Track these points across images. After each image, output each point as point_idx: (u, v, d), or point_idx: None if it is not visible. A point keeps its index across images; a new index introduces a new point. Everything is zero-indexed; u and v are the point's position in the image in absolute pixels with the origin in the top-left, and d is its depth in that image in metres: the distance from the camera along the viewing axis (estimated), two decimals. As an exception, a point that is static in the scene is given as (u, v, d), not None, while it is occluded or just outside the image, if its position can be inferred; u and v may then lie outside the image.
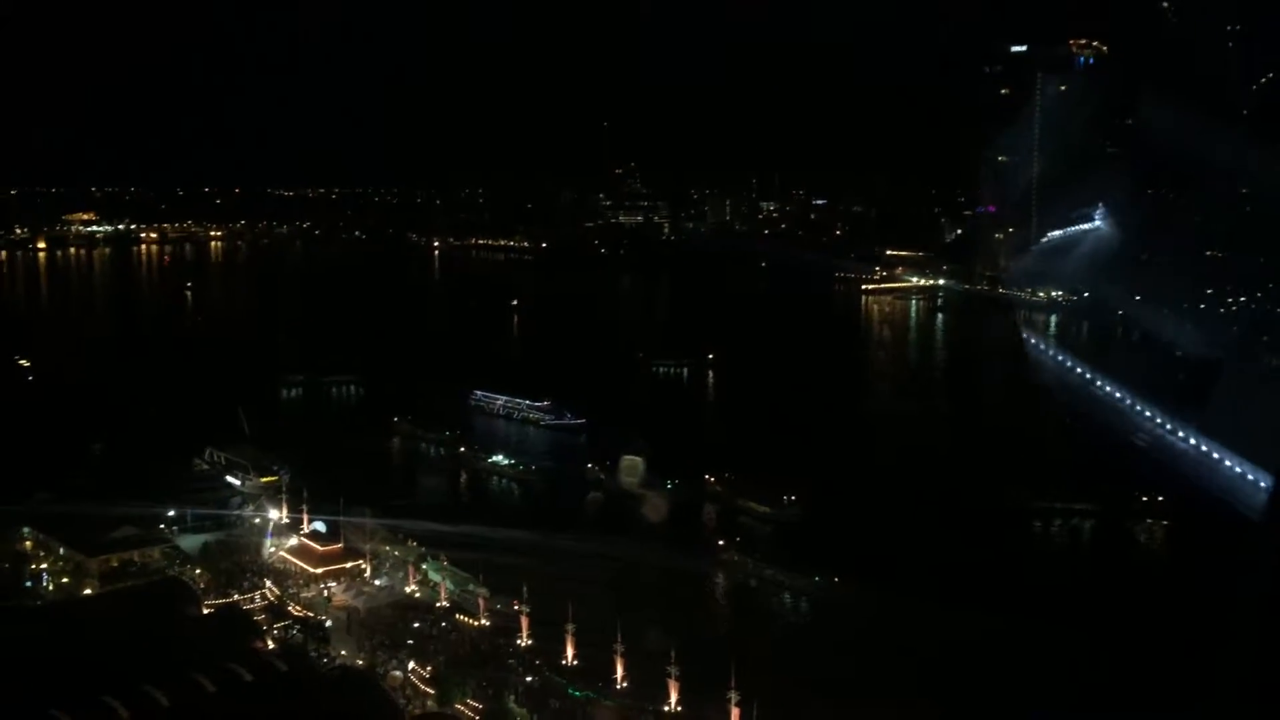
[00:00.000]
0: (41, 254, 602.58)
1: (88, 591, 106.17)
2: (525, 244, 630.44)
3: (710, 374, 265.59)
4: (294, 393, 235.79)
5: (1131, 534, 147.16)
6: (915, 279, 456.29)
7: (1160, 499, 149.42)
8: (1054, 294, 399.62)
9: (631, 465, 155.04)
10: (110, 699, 71.12)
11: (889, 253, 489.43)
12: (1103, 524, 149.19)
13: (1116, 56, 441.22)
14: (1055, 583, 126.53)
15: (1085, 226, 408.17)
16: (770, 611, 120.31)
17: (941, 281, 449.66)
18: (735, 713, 77.70)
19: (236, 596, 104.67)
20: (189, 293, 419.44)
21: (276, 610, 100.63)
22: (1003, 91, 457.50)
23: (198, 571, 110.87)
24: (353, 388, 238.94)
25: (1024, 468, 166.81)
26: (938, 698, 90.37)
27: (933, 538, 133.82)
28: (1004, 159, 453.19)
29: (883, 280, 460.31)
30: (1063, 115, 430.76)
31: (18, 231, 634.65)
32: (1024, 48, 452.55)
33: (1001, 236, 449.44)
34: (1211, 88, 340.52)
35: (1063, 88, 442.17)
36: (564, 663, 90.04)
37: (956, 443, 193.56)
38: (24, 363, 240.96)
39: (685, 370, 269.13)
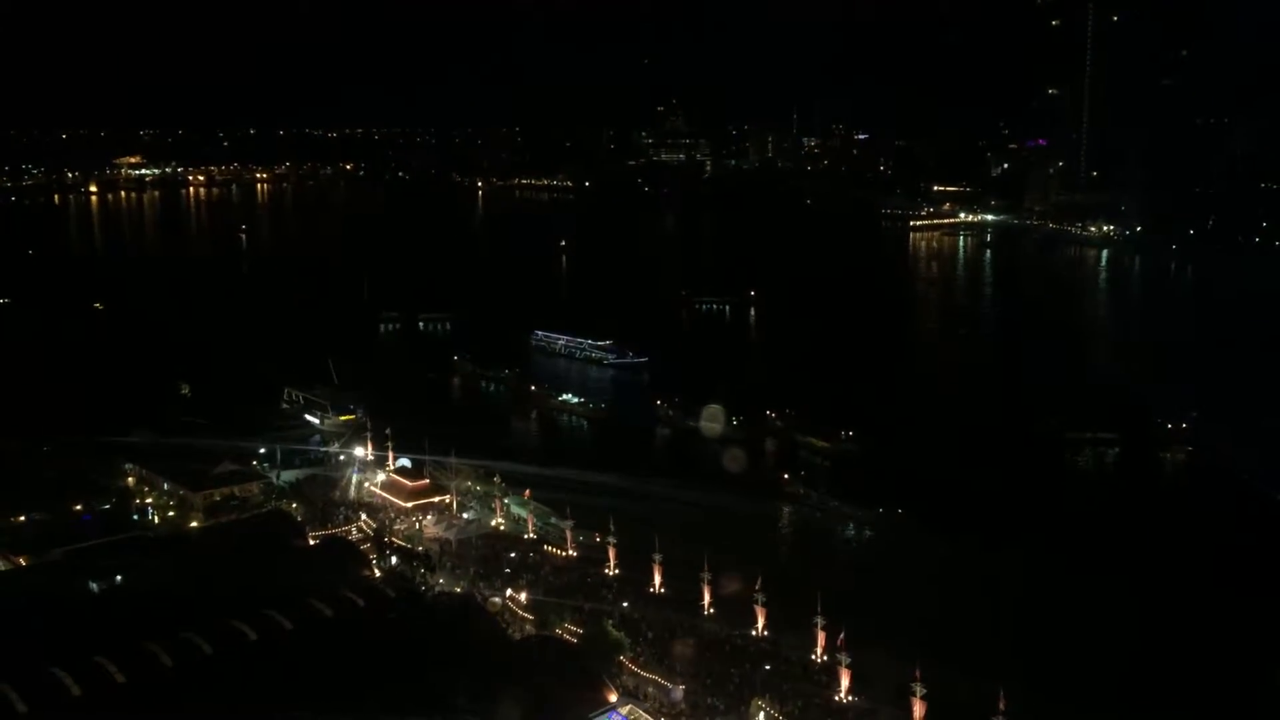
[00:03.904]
0: (94, 197, 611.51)
1: (194, 524, 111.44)
2: (568, 183, 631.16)
3: (752, 311, 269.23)
4: (391, 328, 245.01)
5: (1157, 460, 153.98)
6: (964, 215, 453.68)
7: (1184, 426, 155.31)
8: (1106, 229, 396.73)
9: (714, 413, 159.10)
10: (238, 623, 76.18)
11: (936, 188, 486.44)
12: (1128, 452, 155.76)
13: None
14: (1091, 508, 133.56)
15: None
16: (837, 542, 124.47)
17: (990, 217, 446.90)
18: (821, 637, 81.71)
19: (333, 529, 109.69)
20: (244, 235, 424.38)
21: (378, 541, 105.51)
22: (1053, 23, 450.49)
23: (294, 506, 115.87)
24: (447, 325, 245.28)
25: (1063, 399, 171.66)
26: (1008, 623, 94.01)
27: (980, 468, 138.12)
28: (1054, 91, 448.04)
29: (931, 216, 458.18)
30: (1116, 47, 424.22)
31: (70, 175, 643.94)
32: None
33: (1052, 171, 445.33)
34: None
35: (1115, 18, 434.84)
36: (651, 591, 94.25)
37: (1002, 376, 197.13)
38: (98, 306, 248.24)
39: (727, 308, 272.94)
